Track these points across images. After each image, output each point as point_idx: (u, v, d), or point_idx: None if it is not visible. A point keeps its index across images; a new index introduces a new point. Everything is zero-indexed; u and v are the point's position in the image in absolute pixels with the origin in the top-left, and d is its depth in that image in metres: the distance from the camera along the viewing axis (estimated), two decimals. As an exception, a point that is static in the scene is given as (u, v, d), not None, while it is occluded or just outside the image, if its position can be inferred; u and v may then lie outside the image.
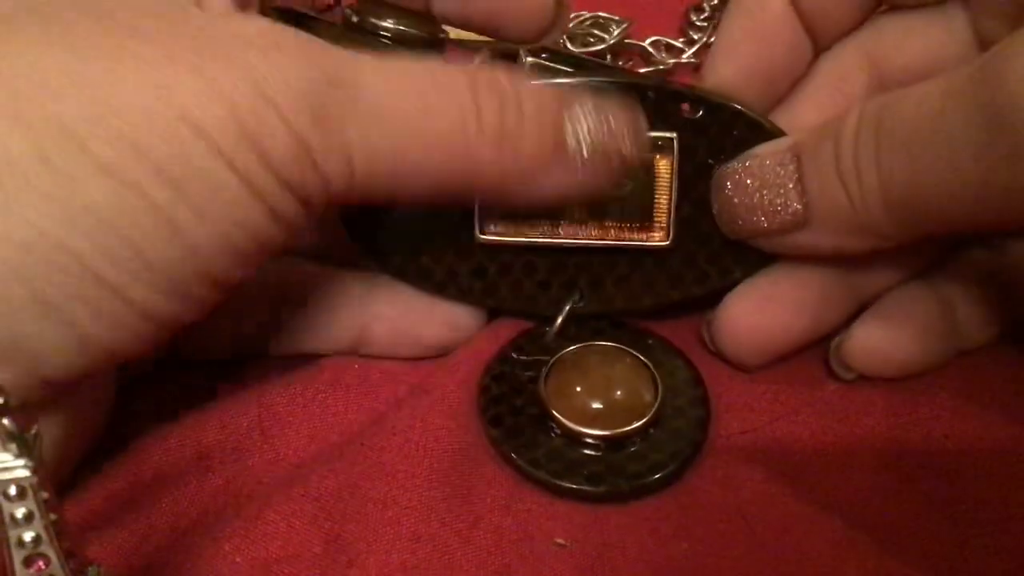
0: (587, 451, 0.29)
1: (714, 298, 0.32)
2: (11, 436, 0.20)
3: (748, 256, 0.31)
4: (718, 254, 0.31)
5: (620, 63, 0.47)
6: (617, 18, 0.47)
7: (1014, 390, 0.31)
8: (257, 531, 0.27)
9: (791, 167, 0.28)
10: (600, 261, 0.31)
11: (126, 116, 0.22)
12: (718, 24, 0.46)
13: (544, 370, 0.30)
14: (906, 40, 0.31)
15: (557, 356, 0.31)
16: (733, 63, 0.31)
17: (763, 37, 0.31)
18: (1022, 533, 0.27)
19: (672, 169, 0.30)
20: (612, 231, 0.31)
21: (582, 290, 0.32)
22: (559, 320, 0.31)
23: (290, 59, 0.24)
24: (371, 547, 0.27)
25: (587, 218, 0.31)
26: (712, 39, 0.47)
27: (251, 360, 0.32)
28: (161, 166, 0.22)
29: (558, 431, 0.29)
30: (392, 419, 0.30)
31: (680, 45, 0.47)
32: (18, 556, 0.21)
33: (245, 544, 0.27)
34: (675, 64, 0.47)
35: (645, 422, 0.29)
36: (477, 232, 0.30)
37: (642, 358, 0.30)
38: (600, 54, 0.47)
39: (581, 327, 0.32)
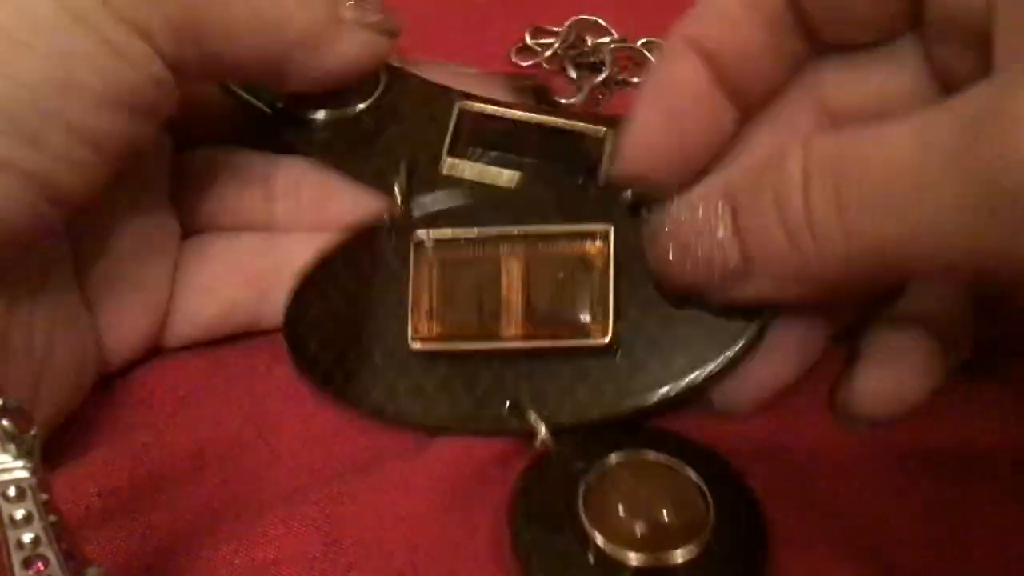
0: None
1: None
2: (10, 437, 0.21)
3: (703, 355, 0.28)
4: (669, 356, 0.28)
5: (615, 71, 0.47)
6: (607, 39, 0.47)
7: (1017, 391, 0.31)
8: (256, 534, 0.27)
9: (726, 216, 0.25)
10: (542, 371, 0.29)
11: None
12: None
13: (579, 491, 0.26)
14: (855, 79, 0.29)
15: (588, 478, 0.27)
16: (648, 149, 0.29)
17: (680, 118, 0.29)
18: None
19: (607, 262, 0.29)
20: (547, 332, 0.29)
21: (522, 404, 0.28)
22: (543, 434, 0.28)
23: None
24: (370, 552, 0.27)
25: (523, 321, 0.29)
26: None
27: (239, 348, 0.32)
28: None
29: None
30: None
31: None
32: (17, 557, 0.21)
33: (244, 547, 0.27)
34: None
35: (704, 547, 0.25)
36: (410, 340, 0.29)
37: (685, 468, 0.27)
38: (589, 63, 0.46)
39: (593, 438, 0.28)
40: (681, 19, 0.29)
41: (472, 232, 0.29)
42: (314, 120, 0.32)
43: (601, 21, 0.47)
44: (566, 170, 0.31)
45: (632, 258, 0.28)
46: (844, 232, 0.23)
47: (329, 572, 0.26)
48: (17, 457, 0.21)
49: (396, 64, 0.33)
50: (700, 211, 0.25)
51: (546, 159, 0.32)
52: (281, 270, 0.32)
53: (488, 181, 0.31)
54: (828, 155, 0.23)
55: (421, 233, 0.30)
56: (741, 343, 0.27)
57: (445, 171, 0.31)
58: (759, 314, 0.27)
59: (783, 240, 0.24)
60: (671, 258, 0.26)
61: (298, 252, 0.32)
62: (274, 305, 0.31)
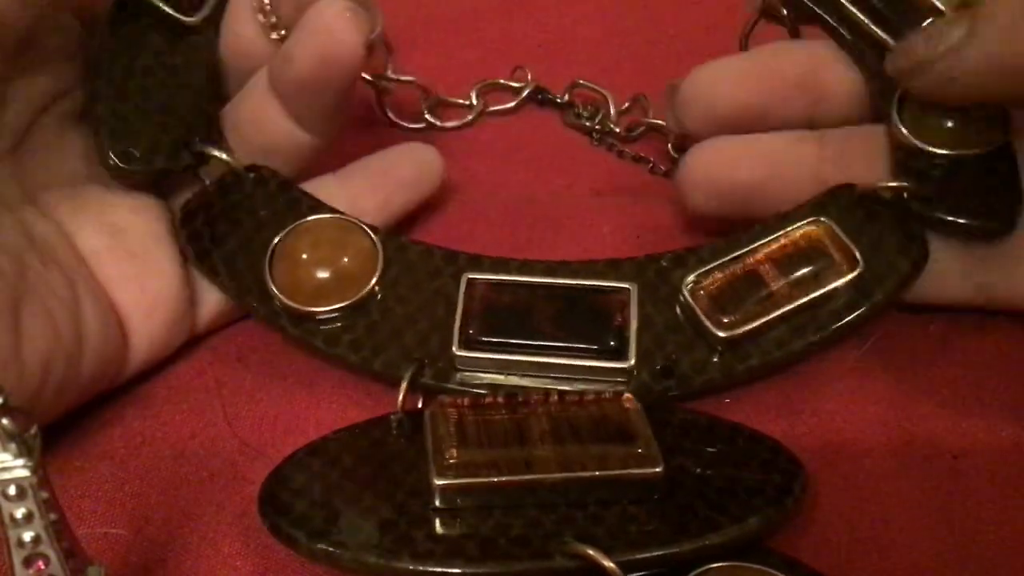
0: None
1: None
2: (11, 436, 0.21)
3: (751, 506, 0.26)
4: (717, 502, 0.26)
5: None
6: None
7: (1015, 388, 0.31)
8: (260, 539, 0.27)
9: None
10: (584, 508, 0.26)
11: None
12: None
13: None
14: None
15: None
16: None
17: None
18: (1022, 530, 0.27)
19: (639, 411, 0.27)
20: (592, 462, 0.26)
21: (569, 541, 0.25)
22: None
23: None
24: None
25: (560, 453, 0.26)
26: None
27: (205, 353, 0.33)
28: None
29: None
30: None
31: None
32: (18, 556, 0.21)
33: (245, 550, 0.27)
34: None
35: None
36: (433, 478, 0.25)
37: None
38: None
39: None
40: None
41: (497, 397, 0.28)
42: (316, 313, 0.30)
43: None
44: (591, 338, 0.29)
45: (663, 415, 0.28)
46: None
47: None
48: (17, 456, 0.21)
49: (394, 236, 0.32)
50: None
51: (567, 325, 0.30)
52: None
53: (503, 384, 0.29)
54: None
55: (441, 397, 0.28)
56: (786, 499, 0.26)
57: (458, 366, 0.29)
58: (797, 475, 0.27)
59: None
60: (914, 45, 0.30)
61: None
62: None
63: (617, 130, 0.42)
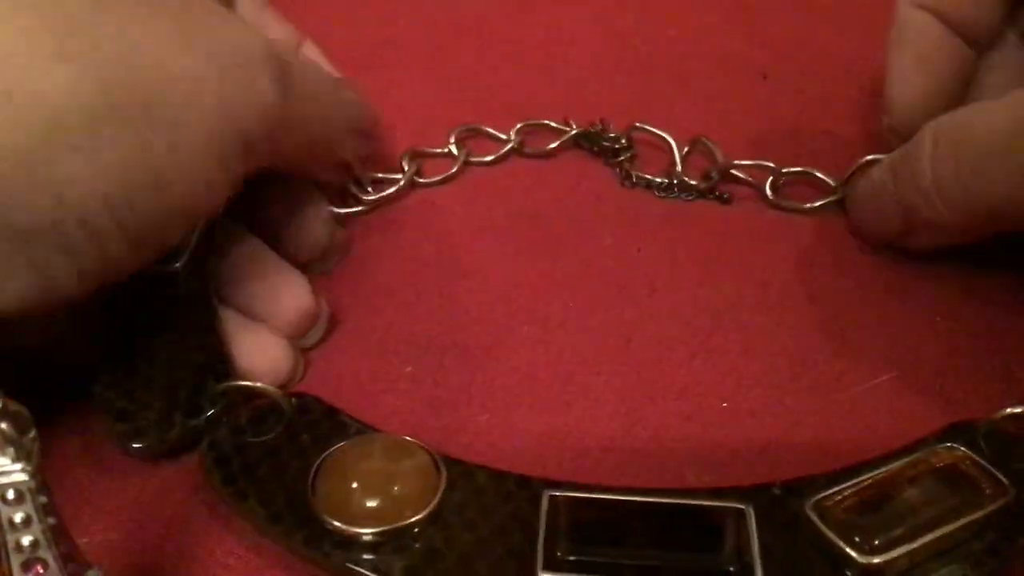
0: None
1: None
2: (9, 440, 0.20)
3: None
4: None
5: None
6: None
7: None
8: (253, 540, 0.27)
9: (891, 185, 0.33)
10: None
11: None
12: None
13: None
14: None
15: None
16: (913, 89, 0.35)
17: (928, 60, 0.35)
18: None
19: None
20: None
21: None
22: None
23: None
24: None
25: None
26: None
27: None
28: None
29: None
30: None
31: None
32: (16, 560, 0.21)
33: (239, 548, 0.27)
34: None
35: None
36: None
37: None
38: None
39: None
40: None
41: None
42: (362, 537, 0.25)
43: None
44: (705, 560, 0.25)
45: None
46: (962, 190, 0.30)
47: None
48: (16, 460, 0.21)
49: (455, 461, 0.27)
50: (875, 177, 0.35)
51: (673, 543, 0.25)
52: None
53: None
54: (948, 133, 0.31)
55: None
56: None
57: None
58: None
59: (920, 200, 0.32)
60: (864, 220, 0.36)
61: None
62: None
63: (693, 183, 0.39)
